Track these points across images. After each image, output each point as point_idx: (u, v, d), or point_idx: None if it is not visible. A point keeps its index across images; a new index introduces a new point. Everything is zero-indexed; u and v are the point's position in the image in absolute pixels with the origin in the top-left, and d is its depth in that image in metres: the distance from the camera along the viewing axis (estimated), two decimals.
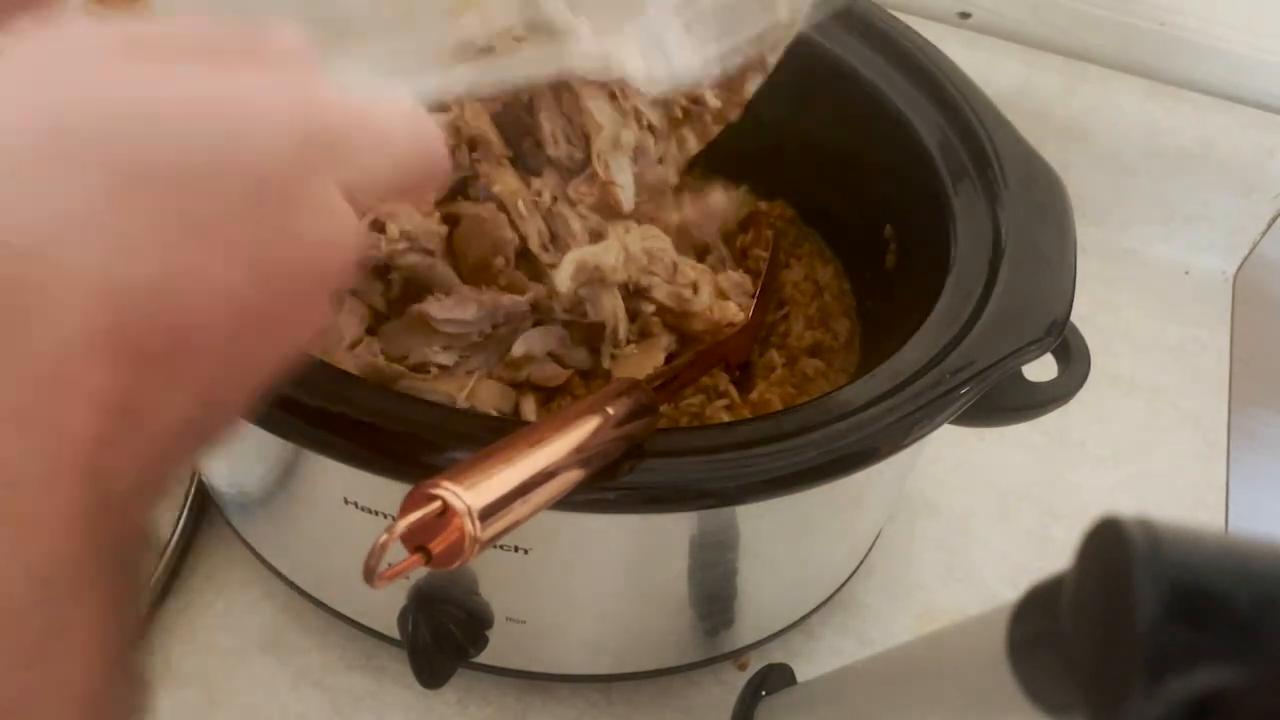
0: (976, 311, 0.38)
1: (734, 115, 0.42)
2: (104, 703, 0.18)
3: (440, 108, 0.39)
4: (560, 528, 0.35)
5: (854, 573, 0.50)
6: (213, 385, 0.19)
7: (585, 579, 0.39)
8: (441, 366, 0.41)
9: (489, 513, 0.24)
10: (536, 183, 0.41)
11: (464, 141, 0.40)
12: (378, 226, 0.39)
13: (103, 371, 0.17)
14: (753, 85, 0.42)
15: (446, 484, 0.24)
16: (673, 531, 0.37)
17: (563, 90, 0.40)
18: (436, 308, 0.39)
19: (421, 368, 0.40)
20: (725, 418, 0.44)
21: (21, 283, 0.16)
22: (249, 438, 0.38)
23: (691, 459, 0.33)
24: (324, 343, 0.41)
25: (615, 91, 0.40)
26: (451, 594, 0.39)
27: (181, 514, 0.48)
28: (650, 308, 0.44)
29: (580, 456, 0.28)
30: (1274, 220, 0.70)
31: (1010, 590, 0.21)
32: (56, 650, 0.17)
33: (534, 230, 0.40)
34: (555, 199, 0.41)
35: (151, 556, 0.19)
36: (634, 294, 0.43)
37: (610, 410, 0.30)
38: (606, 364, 0.44)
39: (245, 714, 0.45)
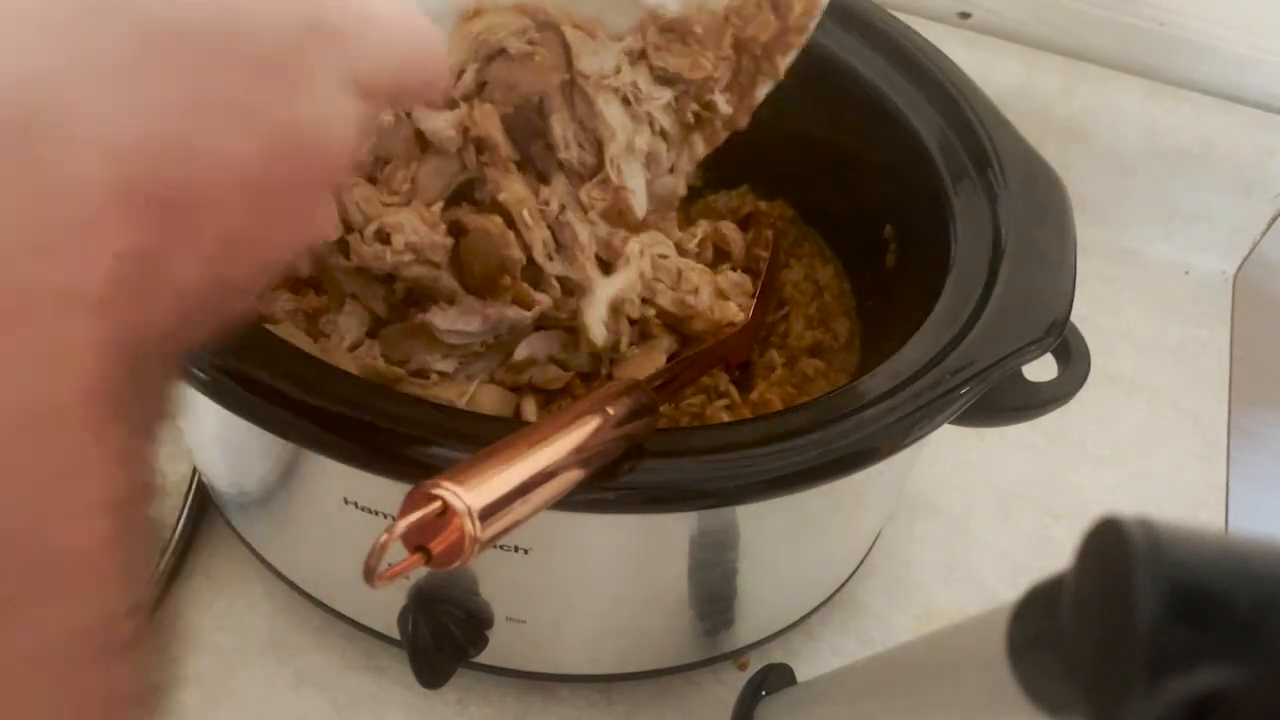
0: (976, 311, 0.38)
1: (743, 122, 0.42)
2: (115, 549, 0.18)
3: (449, 105, 0.39)
4: (560, 528, 0.35)
5: (854, 573, 0.50)
6: (223, 256, 0.20)
7: (585, 579, 0.39)
8: (441, 373, 0.40)
9: (489, 513, 0.24)
10: (545, 191, 0.40)
11: (471, 142, 0.40)
12: (383, 238, 0.38)
13: (119, 219, 0.18)
14: (763, 90, 0.42)
15: (446, 484, 0.24)
16: (673, 531, 0.37)
17: (575, 93, 0.40)
18: (441, 319, 0.39)
19: (422, 373, 0.40)
20: (725, 418, 0.44)
21: (41, 126, 0.17)
22: (249, 437, 0.38)
23: (691, 459, 0.33)
24: (325, 343, 0.41)
25: (629, 96, 0.40)
26: (451, 594, 0.39)
27: (181, 514, 0.48)
28: (651, 311, 0.44)
29: (580, 456, 0.28)
30: (1274, 220, 0.70)
31: (1010, 590, 0.21)
32: (71, 479, 0.17)
33: (539, 240, 0.40)
34: (563, 208, 0.40)
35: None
36: (640, 303, 0.43)
37: (610, 410, 0.30)
38: (607, 368, 0.44)
39: (245, 714, 0.45)
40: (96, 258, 0.17)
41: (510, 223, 0.39)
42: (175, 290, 0.19)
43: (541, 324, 0.42)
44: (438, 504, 0.24)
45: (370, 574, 0.23)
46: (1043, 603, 0.20)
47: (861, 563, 0.50)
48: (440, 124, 0.39)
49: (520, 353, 0.41)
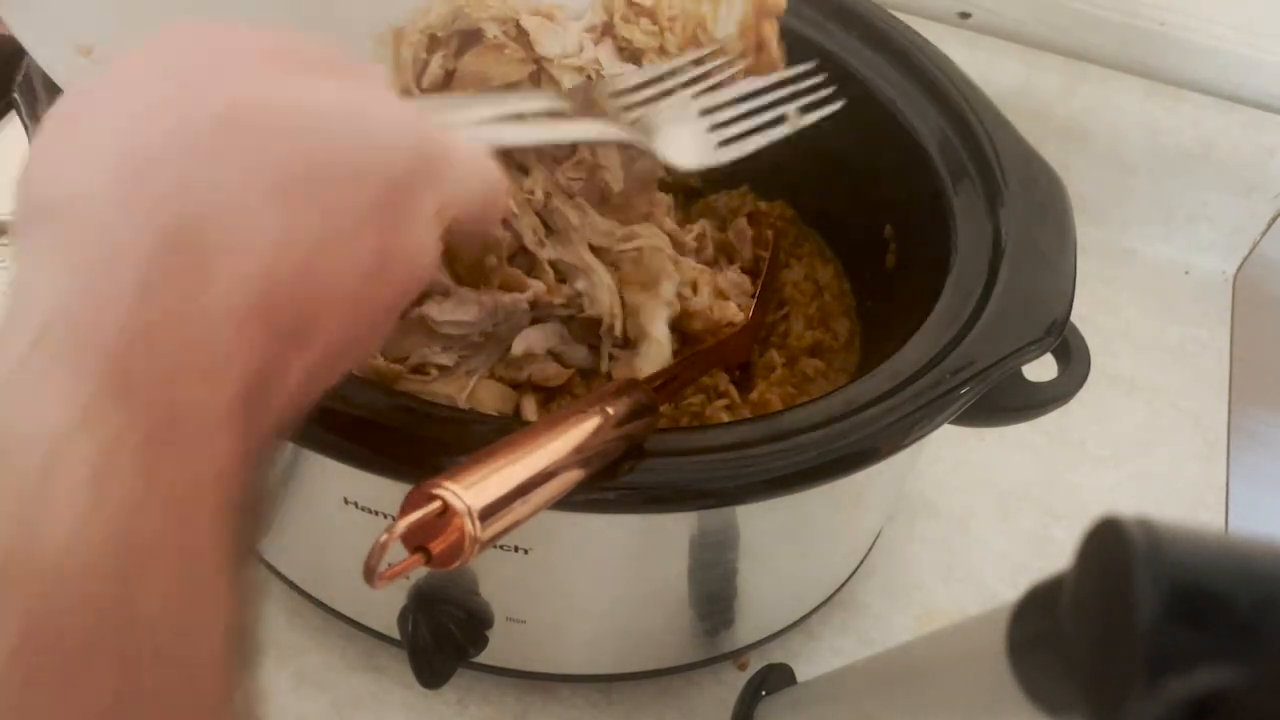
0: (976, 311, 0.38)
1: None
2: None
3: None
4: (560, 528, 0.35)
5: (854, 573, 0.50)
6: (322, 365, 0.22)
7: (585, 579, 0.39)
8: (441, 367, 0.40)
9: (489, 513, 0.24)
10: (528, 181, 0.41)
11: None
12: None
13: (252, 337, 0.19)
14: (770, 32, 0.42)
15: (446, 484, 0.24)
16: (673, 531, 0.37)
17: (545, 81, 0.40)
18: (437, 310, 0.39)
19: (421, 369, 0.40)
20: (725, 418, 0.44)
21: (203, 249, 0.19)
22: None
23: (691, 459, 0.33)
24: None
25: (592, 75, 0.40)
26: (451, 594, 0.39)
27: None
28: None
29: (580, 456, 0.28)
30: (1274, 220, 0.70)
31: (1010, 590, 0.21)
32: (199, 601, 0.19)
33: (527, 227, 0.40)
34: (549, 195, 0.41)
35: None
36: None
37: (610, 410, 0.30)
38: (605, 365, 0.44)
39: None
40: (234, 372, 0.19)
41: None
42: (283, 402, 0.21)
43: (538, 317, 0.42)
44: (438, 504, 0.24)
45: (370, 574, 0.23)
46: (1043, 603, 0.20)
47: (861, 563, 0.50)
48: None
49: (518, 347, 0.41)
